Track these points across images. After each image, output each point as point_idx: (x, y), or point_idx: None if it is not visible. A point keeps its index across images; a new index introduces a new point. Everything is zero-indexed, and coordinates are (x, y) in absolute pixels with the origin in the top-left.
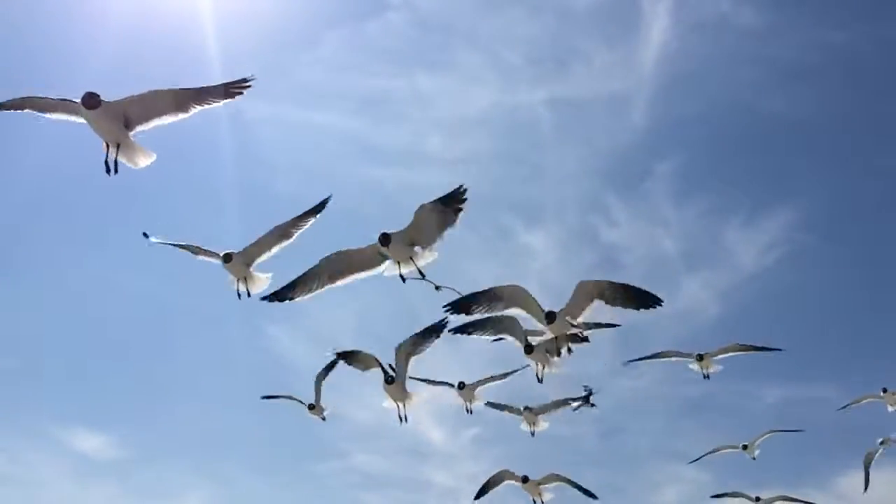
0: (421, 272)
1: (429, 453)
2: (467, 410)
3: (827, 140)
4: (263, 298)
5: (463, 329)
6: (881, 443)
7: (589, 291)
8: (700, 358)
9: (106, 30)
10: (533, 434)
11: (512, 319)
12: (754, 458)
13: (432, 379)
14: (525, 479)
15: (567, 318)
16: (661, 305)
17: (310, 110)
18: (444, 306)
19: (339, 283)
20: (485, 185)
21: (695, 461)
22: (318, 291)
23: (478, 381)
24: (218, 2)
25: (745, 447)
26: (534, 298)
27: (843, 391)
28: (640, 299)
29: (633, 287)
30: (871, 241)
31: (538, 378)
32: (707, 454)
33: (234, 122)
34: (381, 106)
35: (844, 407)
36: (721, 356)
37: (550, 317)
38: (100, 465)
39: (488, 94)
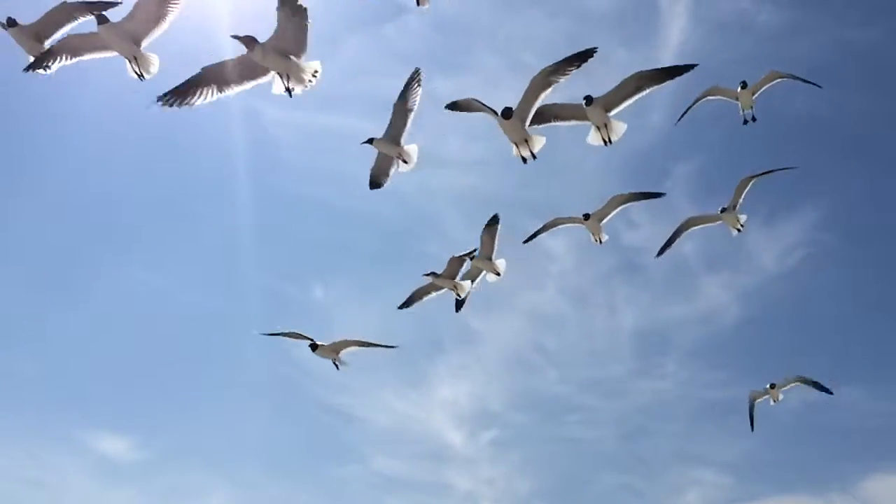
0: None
1: (448, 457)
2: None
3: (848, 139)
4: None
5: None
6: (770, 387)
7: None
8: None
9: None
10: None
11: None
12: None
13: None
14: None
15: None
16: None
17: (327, 113)
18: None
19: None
20: (504, 187)
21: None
22: None
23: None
24: (236, 4)
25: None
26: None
27: (868, 394)
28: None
29: None
30: (894, 241)
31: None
32: None
33: (250, 124)
34: None
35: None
36: None
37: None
38: (122, 467)
39: (507, 96)
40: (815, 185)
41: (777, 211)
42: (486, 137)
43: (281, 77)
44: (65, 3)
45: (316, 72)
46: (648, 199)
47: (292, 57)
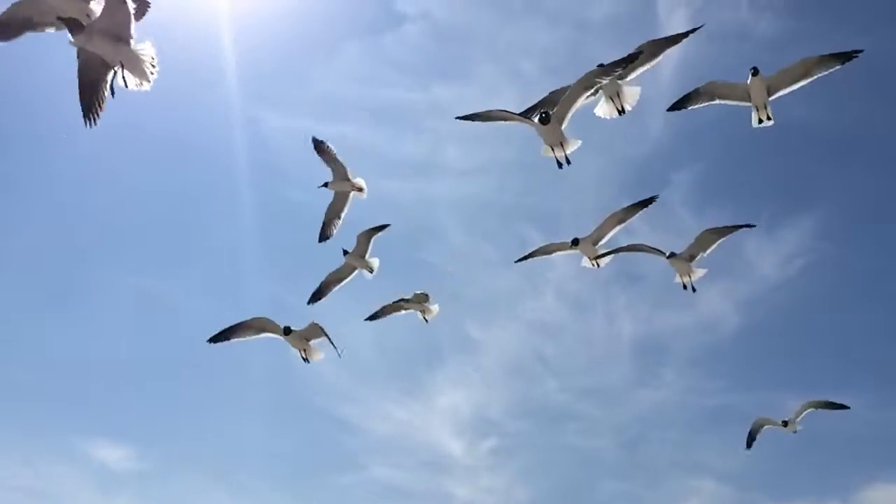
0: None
1: (447, 465)
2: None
3: (848, 147)
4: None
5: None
6: (784, 423)
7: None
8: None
9: None
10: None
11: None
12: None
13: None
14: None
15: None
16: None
17: (326, 121)
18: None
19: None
20: (503, 195)
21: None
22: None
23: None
24: (236, 13)
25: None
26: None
27: (868, 403)
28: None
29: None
30: (894, 249)
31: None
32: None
33: (250, 132)
34: (399, 117)
35: None
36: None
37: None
38: (121, 476)
39: (506, 105)
40: (814, 193)
41: (776, 219)
42: (484, 145)
43: (116, 67)
44: None
45: (153, 58)
46: (643, 207)
47: (122, 42)
